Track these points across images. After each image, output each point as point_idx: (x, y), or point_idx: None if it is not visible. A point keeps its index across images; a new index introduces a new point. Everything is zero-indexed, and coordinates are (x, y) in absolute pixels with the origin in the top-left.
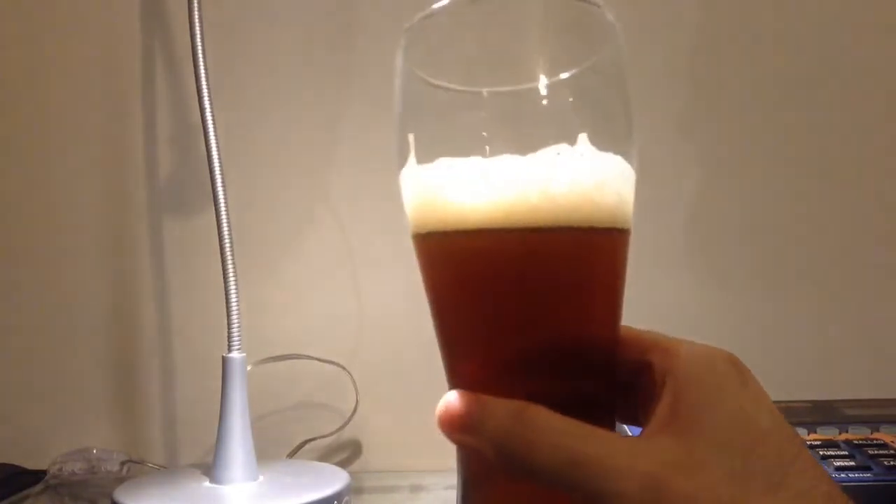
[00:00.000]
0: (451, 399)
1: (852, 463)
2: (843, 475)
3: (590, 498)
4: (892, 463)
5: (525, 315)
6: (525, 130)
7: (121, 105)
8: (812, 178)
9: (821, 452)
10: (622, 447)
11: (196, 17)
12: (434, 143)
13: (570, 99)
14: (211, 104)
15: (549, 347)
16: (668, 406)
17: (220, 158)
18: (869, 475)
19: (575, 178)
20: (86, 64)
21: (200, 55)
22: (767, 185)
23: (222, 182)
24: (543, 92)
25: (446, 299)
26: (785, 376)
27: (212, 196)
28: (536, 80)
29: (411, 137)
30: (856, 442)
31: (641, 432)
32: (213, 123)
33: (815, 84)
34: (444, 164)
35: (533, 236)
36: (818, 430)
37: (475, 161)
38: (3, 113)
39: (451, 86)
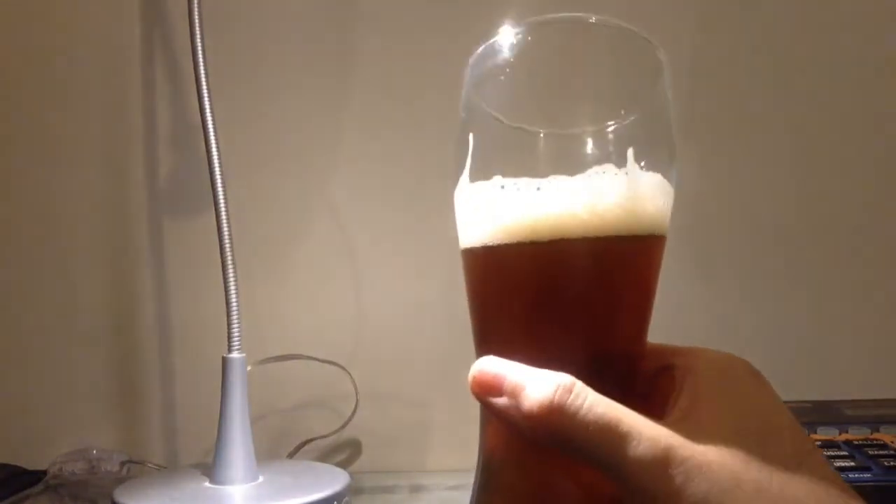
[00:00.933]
0: (487, 360)
1: (852, 463)
2: (842, 475)
3: (609, 468)
4: (892, 463)
5: (574, 316)
6: (574, 163)
7: (121, 105)
8: (812, 178)
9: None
10: (650, 422)
11: (196, 16)
12: (488, 159)
13: (619, 142)
14: (211, 104)
15: (596, 347)
16: (688, 399)
17: (220, 158)
18: (869, 475)
19: (619, 197)
20: (86, 64)
21: (200, 55)
22: (768, 184)
23: (222, 182)
24: (593, 136)
25: (497, 307)
26: (785, 376)
27: (212, 196)
28: (588, 118)
29: (471, 137)
30: (856, 442)
31: (664, 420)
32: (213, 123)
33: (815, 83)
34: (499, 182)
35: (581, 245)
36: (818, 430)
37: (529, 181)
38: (2, 113)
39: (509, 122)
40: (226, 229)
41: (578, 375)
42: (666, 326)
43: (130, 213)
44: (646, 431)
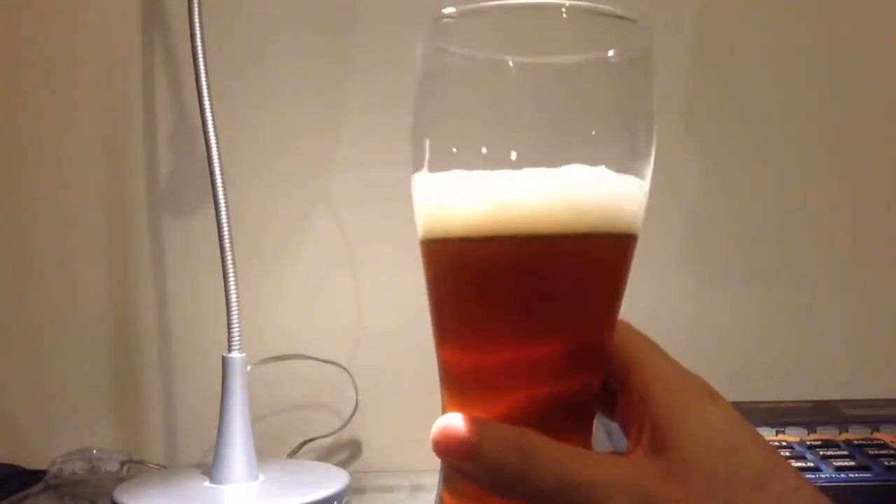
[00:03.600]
0: (448, 423)
1: (852, 463)
2: (843, 475)
3: None
4: (892, 463)
5: (533, 316)
6: (550, 109)
7: (121, 105)
8: (812, 178)
9: (821, 452)
10: (609, 466)
11: (196, 17)
12: (451, 134)
13: (597, 81)
14: (211, 104)
15: (553, 348)
16: (648, 437)
17: (220, 158)
18: (869, 475)
19: (597, 194)
20: (86, 64)
21: (200, 55)
22: (768, 184)
23: (222, 182)
24: (574, 69)
25: (454, 304)
26: (785, 376)
27: (212, 196)
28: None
29: (427, 142)
30: (856, 442)
31: (627, 457)
32: (213, 123)
33: (816, 84)
34: (458, 175)
35: (541, 242)
36: (818, 430)
37: (487, 174)
38: (2, 113)
39: (476, 54)
40: (226, 229)
41: (538, 384)
42: (666, 327)
43: (130, 213)
44: (608, 476)
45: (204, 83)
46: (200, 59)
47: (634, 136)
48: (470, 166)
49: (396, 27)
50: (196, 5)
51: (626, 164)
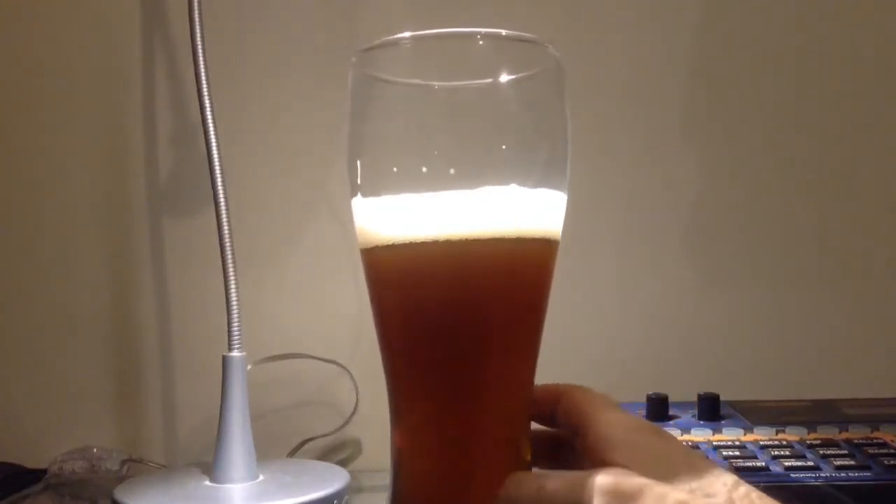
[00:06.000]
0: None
1: (852, 462)
2: (843, 475)
3: None
4: (892, 462)
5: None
6: (469, 128)
7: (121, 105)
8: (812, 178)
9: (821, 452)
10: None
11: (196, 16)
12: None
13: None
14: (211, 104)
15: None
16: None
17: (220, 158)
18: (869, 475)
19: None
20: (86, 63)
21: (200, 55)
22: (768, 184)
23: (222, 182)
24: (489, 89)
25: (383, 306)
26: (785, 376)
27: (212, 196)
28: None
29: (359, 163)
30: (856, 441)
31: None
32: (213, 123)
33: (816, 83)
34: (382, 199)
35: (458, 246)
36: (818, 429)
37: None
38: (2, 113)
39: (402, 80)
40: (226, 229)
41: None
42: (666, 326)
43: (130, 213)
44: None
45: (204, 83)
46: (200, 59)
47: (547, 151)
48: (394, 186)
49: (397, 26)
50: (196, 5)
51: (541, 176)
